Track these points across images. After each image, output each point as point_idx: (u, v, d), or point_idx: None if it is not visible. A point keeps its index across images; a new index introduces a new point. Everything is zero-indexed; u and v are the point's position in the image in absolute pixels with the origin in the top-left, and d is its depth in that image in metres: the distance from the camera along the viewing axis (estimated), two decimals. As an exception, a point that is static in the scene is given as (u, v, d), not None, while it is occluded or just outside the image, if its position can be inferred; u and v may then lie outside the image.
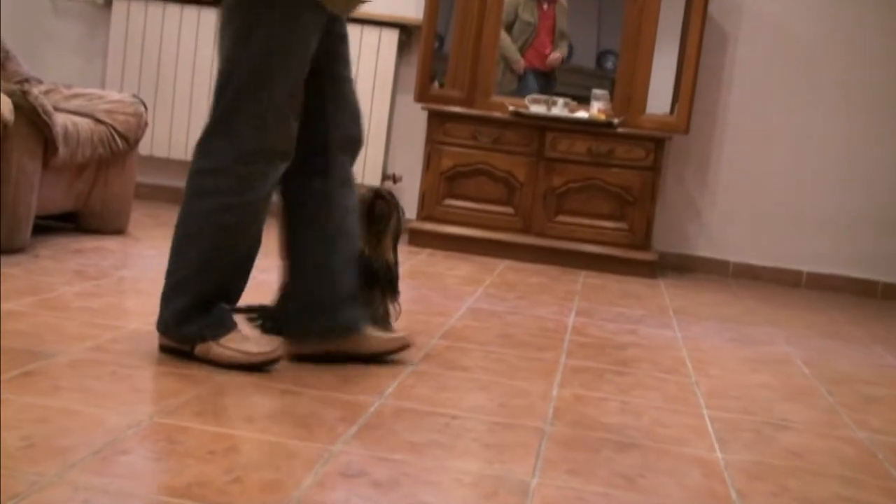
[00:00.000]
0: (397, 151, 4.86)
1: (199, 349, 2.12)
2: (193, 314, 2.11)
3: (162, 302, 2.15)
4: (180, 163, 4.85)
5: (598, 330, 3.09)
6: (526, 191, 4.42)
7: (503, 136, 4.43)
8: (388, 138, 4.81)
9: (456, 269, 3.98)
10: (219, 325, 2.12)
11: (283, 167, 2.13)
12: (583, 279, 4.11)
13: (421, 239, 4.47)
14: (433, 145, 4.46)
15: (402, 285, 3.42)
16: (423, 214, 4.49)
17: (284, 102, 2.07)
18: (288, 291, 2.28)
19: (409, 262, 4.00)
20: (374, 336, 2.30)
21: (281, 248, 2.28)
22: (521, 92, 4.74)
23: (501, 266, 4.19)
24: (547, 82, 4.92)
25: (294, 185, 2.22)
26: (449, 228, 4.46)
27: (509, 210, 4.45)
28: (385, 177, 4.80)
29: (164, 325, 2.15)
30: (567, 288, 3.83)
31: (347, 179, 2.26)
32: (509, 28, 4.78)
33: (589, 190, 4.40)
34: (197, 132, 4.01)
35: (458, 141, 4.45)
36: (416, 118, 4.72)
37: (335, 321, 2.25)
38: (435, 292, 3.40)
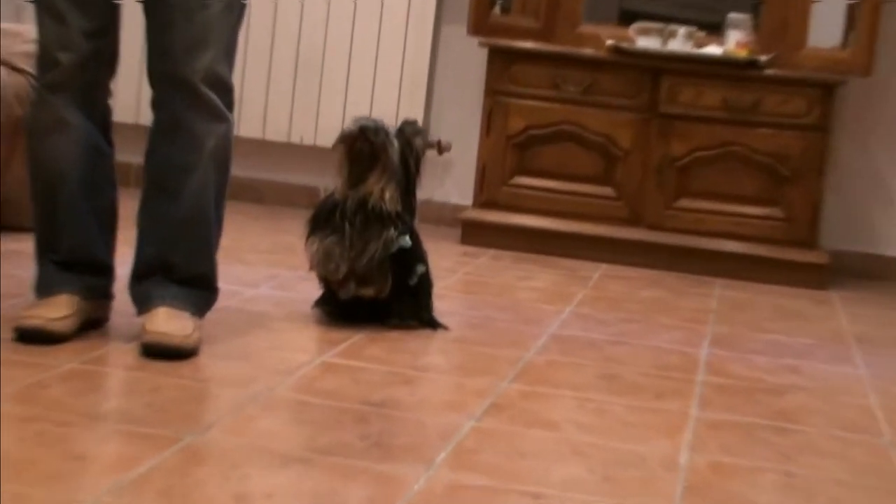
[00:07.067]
0: (444, 107, 4.87)
1: None
2: None
3: None
4: (130, 128, 4.88)
5: (743, 367, 3.07)
6: (632, 163, 4.41)
7: (598, 84, 4.42)
8: (430, 88, 4.82)
9: (532, 278, 3.98)
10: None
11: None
12: (719, 292, 4.09)
13: (480, 235, 4.46)
14: (496, 98, 4.46)
15: (455, 302, 3.43)
16: (483, 199, 4.49)
17: None
18: None
19: (465, 269, 4.00)
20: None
21: None
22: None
23: (598, 273, 4.19)
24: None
25: None
26: (520, 219, 4.46)
27: (608, 191, 4.44)
28: (427, 144, 4.80)
29: None
30: (696, 305, 3.82)
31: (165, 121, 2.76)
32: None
33: (725, 160, 4.38)
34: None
35: (533, 91, 4.46)
36: (470, 59, 4.72)
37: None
38: (503, 313, 3.39)
